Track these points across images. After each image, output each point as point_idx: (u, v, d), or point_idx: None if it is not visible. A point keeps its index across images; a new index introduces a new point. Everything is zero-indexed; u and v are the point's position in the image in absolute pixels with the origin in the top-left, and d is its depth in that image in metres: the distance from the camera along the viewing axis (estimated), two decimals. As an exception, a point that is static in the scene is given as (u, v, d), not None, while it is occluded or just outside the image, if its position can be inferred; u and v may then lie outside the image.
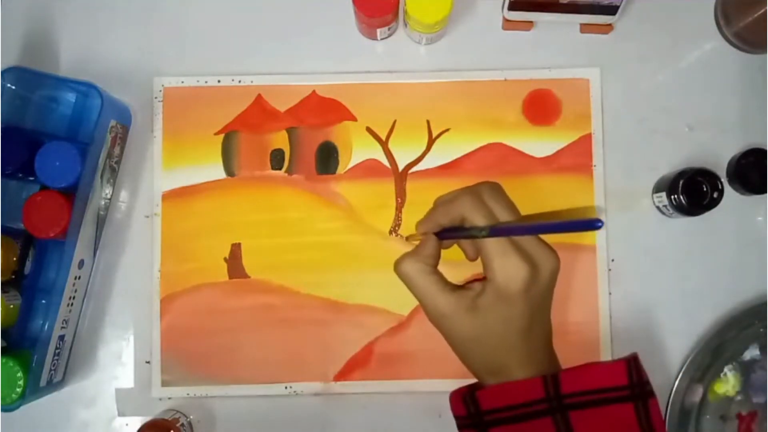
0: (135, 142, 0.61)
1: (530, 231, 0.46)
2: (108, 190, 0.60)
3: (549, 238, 0.60)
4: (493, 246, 0.46)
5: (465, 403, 0.47)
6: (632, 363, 0.47)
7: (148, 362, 0.60)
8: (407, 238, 0.57)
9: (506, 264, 0.46)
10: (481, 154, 0.61)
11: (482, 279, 0.48)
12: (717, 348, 0.59)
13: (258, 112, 0.61)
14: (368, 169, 0.61)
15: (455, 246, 0.52)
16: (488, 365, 0.48)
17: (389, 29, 0.60)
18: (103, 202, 0.59)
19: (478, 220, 0.47)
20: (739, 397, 0.59)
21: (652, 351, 0.60)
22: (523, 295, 0.46)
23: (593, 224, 0.39)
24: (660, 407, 0.47)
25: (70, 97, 0.58)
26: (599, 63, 0.62)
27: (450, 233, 0.49)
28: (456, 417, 0.48)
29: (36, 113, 0.58)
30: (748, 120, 0.62)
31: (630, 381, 0.46)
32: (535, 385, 0.46)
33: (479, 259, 0.48)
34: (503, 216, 0.47)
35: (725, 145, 0.61)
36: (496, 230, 0.46)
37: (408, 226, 0.61)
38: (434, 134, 0.61)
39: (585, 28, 0.61)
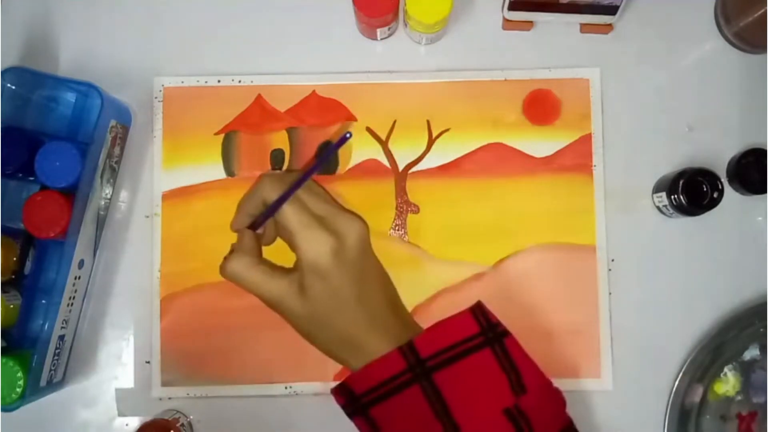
0: (135, 142, 0.61)
1: (308, 175, 0.47)
2: (108, 190, 0.60)
3: (543, 235, 0.61)
4: (294, 224, 0.47)
5: (341, 392, 0.48)
6: (477, 310, 0.48)
7: (148, 362, 0.60)
8: (232, 246, 0.53)
9: (310, 238, 0.47)
10: (481, 154, 0.61)
11: None
12: (717, 348, 0.59)
13: (258, 112, 0.61)
14: (368, 169, 0.61)
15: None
16: (337, 342, 0.49)
17: (389, 29, 0.60)
18: (103, 202, 0.59)
19: (276, 196, 0.48)
20: (739, 397, 0.59)
21: (652, 351, 0.60)
22: (335, 265, 0.47)
23: (345, 139, 0.45)
24: (518, 342, 0.47)
25: (70, 97, 0.58)
26: (599, 63, 0.62)
27: (258, 219, 0.50)
28: (342, 408, 0.48)
29: (36, 113, 0.58)
30: (748, 120, 0.62)
31: (480, 328, 0.47)
32: (395, 358, 0.46)
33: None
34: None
35: (725, 145, 0.61)
36: (284, 195, 0.47)
37: (410, 227, 0.61)
38: (434, 134, 0.61)
39: (585, 28, 0.61)
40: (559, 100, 0.62)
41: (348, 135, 0.46)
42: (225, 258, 0.49)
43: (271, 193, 0.49)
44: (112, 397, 0.60)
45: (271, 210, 0.49)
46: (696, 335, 0.60)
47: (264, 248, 0.52)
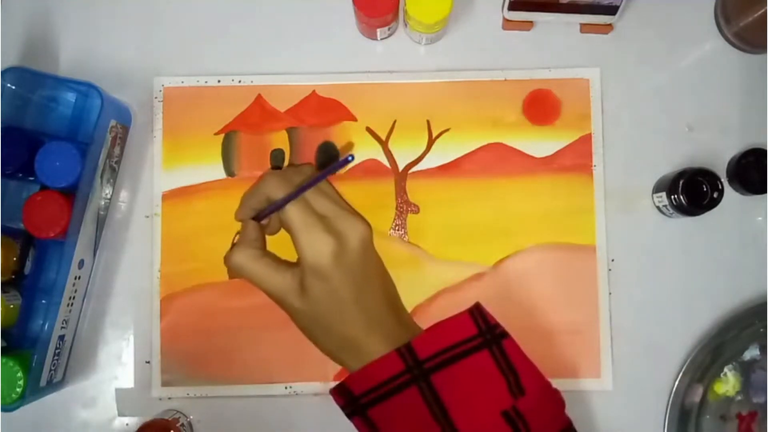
0: (135, 142, 0.61)
1: (309, 186, 0.48)
2: (108, 190, 0.60)
3: (543, 235, 0.61)
4: (297, 224, 0.48)
5: (341, 393, 0.48)
6: (476, 311, 0.48)
7: (148, 362, 0.60)
8: (235, 236, 0.56)
9: (312, 239, 0.47)
10: (481, 154, 0.61)
11: None
12: (717, 348, 0.59)
13: (258, 112, 0.61)
14: (368, 169, 0.61)
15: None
16: (336, 342, 0.49)
17: (389, 29, 0.60)
18: (103, 202, 0.59)
19: (281, 194, 0.49)
20: (739, 397, 0.59)
21: (652, 351, 0.60)
22: (335, 267, 0.47)
23: (345, 161, 0.46)
24: (517, 344, 0.48)
25: (70, 97, 0.58)
26: (599, 63, 0.62)
27: (261, 213, 0.51)
28: (341, 408, 0.49)
29: (36, 113, 0.58)
30: (748, 120, 0.62)
31: (479, 329, 0.47)
32: (393, 360, 0.46)
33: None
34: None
35: (725, 145, 0.61)
36: (287, 198, 0.48)
37: (410, 227, 0.61)
38: (434, 134, 0.61)
39: (585, 28, 0.61)
40: (559, 100, 0.62)
41: (350, 158, 0.46)
42: (230, 249, 0.50)
43: (275, 191, 0.50)
44: (112, 397, 0.60)
45: (275, 207, 0.49)
46: (696, 335, 0.60)
47: (268, 239, 0.53)
